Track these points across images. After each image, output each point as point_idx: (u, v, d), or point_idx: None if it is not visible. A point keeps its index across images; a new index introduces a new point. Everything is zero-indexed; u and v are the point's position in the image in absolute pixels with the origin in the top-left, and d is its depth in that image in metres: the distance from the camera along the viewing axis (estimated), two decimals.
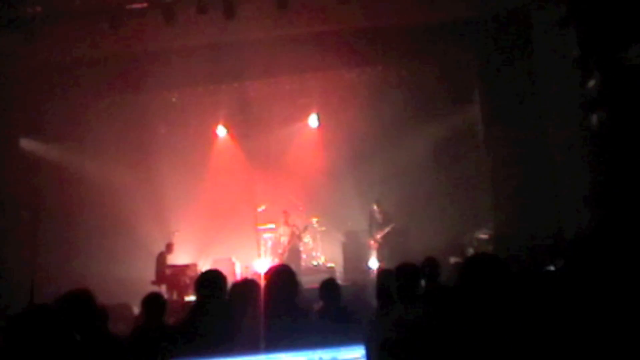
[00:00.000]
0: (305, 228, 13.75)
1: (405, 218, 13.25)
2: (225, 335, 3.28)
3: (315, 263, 13.92)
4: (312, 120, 14.71)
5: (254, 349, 2.53)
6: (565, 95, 10.37)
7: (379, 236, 12.81)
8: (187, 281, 11.64)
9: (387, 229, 12.78)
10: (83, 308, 3.81)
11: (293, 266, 13.93)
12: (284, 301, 4.30)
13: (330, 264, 13.72)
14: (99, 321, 4.08)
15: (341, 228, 13.86)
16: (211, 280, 3.70)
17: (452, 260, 10.50)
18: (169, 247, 12.41)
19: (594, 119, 9.17)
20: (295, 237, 13.42)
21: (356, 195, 13.73)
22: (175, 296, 11.61)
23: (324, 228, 14.20)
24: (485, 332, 3.43)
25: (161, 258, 12.15)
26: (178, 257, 12.82)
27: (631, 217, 8.12)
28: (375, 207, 13.06)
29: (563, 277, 4.67)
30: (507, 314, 3.67)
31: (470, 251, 12.03)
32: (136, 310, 8.84)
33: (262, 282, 4.29)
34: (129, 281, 11.59)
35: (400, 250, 12.17)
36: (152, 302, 5.19)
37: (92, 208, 13.19)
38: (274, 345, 2.54)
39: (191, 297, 10.69)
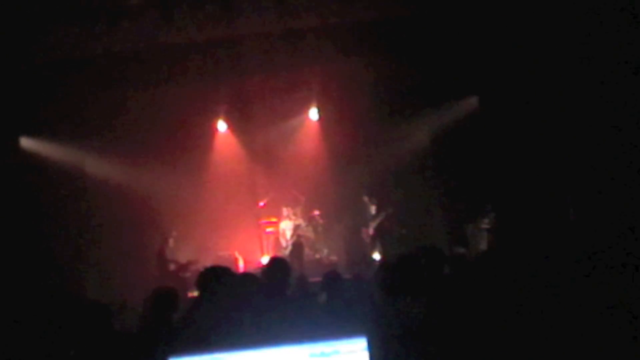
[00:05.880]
0: (308, 221, 13.74)
1: (409, 209, 13.29)
2: (227, 329, 3.29)
3: (318, 256, 13.89)
4: (313, 114, 14.65)
5: (256, 342, 2.53)
6: None
7: (372, 227, 12.90)
8: (190, 276, 11.64)
9: (378, 219, 12.91)
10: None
11: (296, 260, 13.92)
12: (277, 293, 4.34)
13: (333, 257, 13.73)
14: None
15: (344, 220, 13.85)
16: (212, 276, 3.72)
17: (457, 250, 10.50)
18: (166, 241, 12.44)
19: None
20: (298, 231, 13.41)
21: (358, 187, 13.71)
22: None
23: (326, 221, 14.19)
24: (486, 324, 3.44)
25: (161, 254, 12.16)
26: (181, 253, 12.82)
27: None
28: (366, 199, 13.17)
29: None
30: (510, 306, 3.67)
31: (474, 241, 12.03)
32: (140, 308, 8.85)
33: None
34: (132, 279, 11.60)
35: (403, 241, 12.24)
36: (164, 297, 5.25)
37: (93, 206, 13.17)
38: (275, 338, 2.54)
39: (195, 293, 10.69)
